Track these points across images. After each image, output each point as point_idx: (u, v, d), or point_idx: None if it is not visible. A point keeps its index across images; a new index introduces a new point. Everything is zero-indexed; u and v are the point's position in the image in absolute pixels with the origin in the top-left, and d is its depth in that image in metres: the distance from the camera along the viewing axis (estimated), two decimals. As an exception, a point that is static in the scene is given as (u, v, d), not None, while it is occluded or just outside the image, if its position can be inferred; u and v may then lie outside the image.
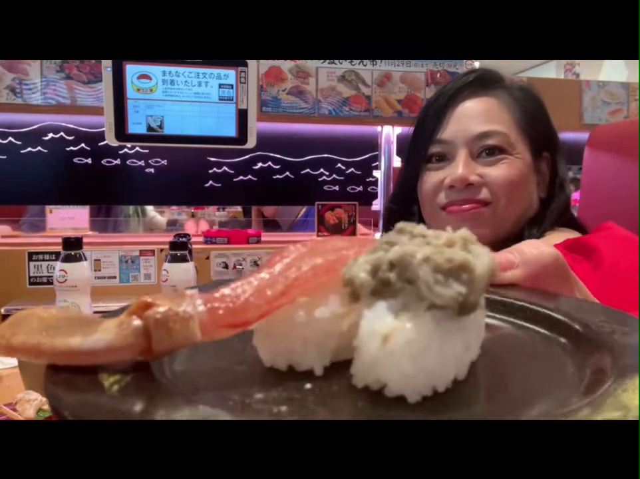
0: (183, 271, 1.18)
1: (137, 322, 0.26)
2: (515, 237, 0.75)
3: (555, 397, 0.25)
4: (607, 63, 4.96)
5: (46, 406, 0.70)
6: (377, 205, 1.90)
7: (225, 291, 0.27)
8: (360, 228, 1.86)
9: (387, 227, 0.88)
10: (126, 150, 1.91)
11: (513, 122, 0.76)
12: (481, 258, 0.22)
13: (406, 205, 0.82)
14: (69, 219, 1.77)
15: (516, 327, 0.30)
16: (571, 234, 0.75)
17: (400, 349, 0.21)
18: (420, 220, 0.82)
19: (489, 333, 0.27)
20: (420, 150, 0.78)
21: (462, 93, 0.77)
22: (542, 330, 0.29)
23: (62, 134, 1.85)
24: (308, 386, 0.24)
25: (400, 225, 0.24)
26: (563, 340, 0.28)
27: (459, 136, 0.75)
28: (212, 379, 0.27)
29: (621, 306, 0.61)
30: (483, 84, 0.78)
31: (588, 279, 0.63)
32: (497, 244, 0.75)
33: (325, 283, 0.25)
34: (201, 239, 1.62)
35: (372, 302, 0.22)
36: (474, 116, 0.75)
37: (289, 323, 0.24)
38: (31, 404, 0.70)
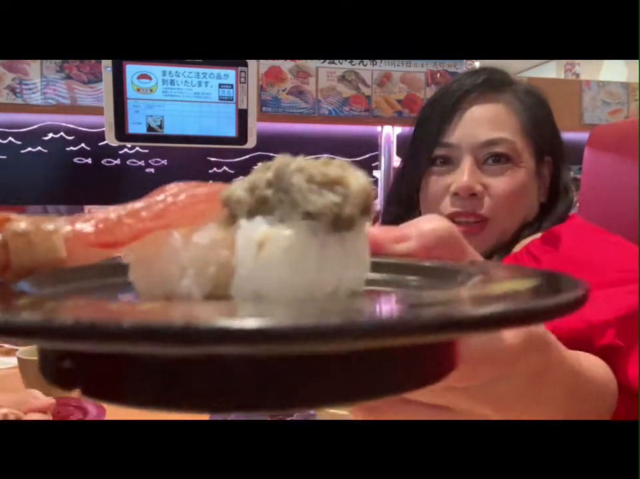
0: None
1: None
2: (512, 238, 0.75)
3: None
4: (607, 63, 4.96)
5: (12, 417, 0.70)
6: (377, 205, 1.90)
7: (96, 214, 0.25)
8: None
9: None
10: (126, 150, 1.92)
11: (520, 128, 0.76)
12: (358, 178, 0.22)
13: (407, 208, 0.81)
14: None
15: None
16: None
17: (276, 256, 0.20)
18: None
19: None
20: (424, 151, 0.77)
21: (470, 95, 0.76)
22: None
23: (62, 134, 1.85)
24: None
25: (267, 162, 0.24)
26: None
27: (465, 141, 0.74)
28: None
29: None
30: (492, 86, 0.77)
31: (549, 266, 0.64)
32: (496, 249, 0.75)
33: (205, 212, 0.24)
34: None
35: (246, 220, 0.21)
36: (481, 121, 0.75)
37: (165, 250, 0.22)
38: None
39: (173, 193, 0.25)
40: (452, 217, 0.74)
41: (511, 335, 0.30)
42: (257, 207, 0.21)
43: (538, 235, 0.74)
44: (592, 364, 0.51)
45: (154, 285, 0.23)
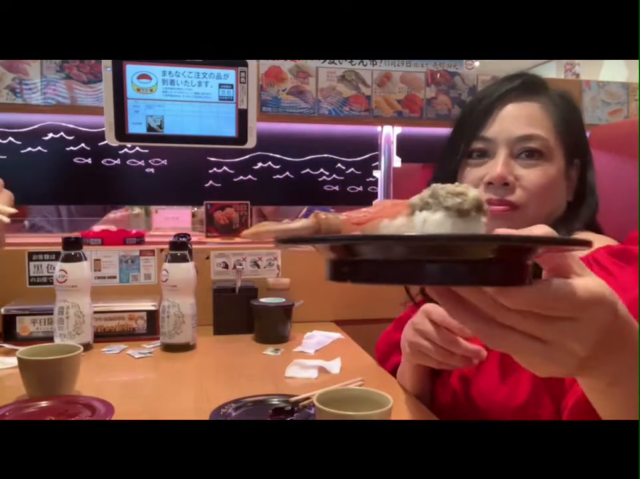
0: (183, 271, 1.18)
1: (315, 219, 0.53)
2: None
3: None
4: (607, 63, 4.96)
5: None
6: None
7: (353, 211, 0.51)
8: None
9: None
10: (126, 150, 1.91)
11: (553, 128, 0.81)
12: (474, 191, 0.41)
13: None
14: (173, 219, 1.84)
15: None
16: (597, 238, 0.79)
17: (431, 227, 0.41)
18: None
19: None
20: (463, 145, 0.82)
21: (508, 95, 0.82)
22: None
23: (62, 134, 1.84)
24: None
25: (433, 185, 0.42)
26: None
27: (501, 136, 0.79)
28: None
29: None
30: (528, 89, 0.83)
31: (628, 284, 0.64)
32: None
33: (395, 213, 0.45)
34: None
35: (418, 212, 0.43)
36: (517, 118, 0.80)
37: (381, 227, 0.44)
38: None
39: (381, 203, 0.49)
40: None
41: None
42: (423, 207, 0.42)
43: (581, 236, 0.76)
44: None
45: None
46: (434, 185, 0.42)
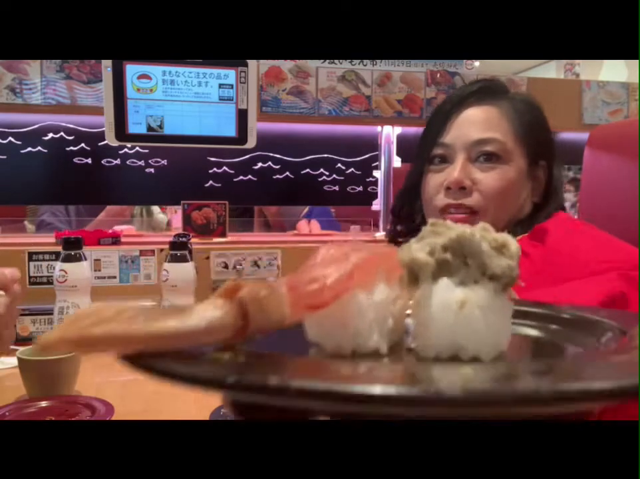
0: (184, 271, 1.18)
1: (233, 303, 0.27)
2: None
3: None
4: (607, 63, 4.96)
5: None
6: (377, 205, 1.90)
7: (303, 276, 0.29)
8: (353, 230, 1.86)
9: (395, 224, 0.92)
10: (126, 150, 1.91)
11: (512, 130, 0.81)
12: (512, 240, 0.26)
13: (411, 204, 0.89)
14: None
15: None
16: None
17: (475, 314, 0.24)
18: (424, 218, 0.87)
19: None
20: (424, 151, 0.84)
21: (467, 100, 0.82)
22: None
23: (62, 134, 1.84)
24: (386, 361, 0.27)
25: (432, 221, 0.29)
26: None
27: (459, 141, 0.80)
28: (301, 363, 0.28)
29: (559, 280, 0.65)
30: (488, 93, 0.84)
31: (536, 261, 0.68)
32: None
33: (372, 276, 0.28)
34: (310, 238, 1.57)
35: (431, 282, 0.26)
36: (474, 122, 0.80)
37: (350, 309, 0.27)
38: None
39: (344, 258, 0.29)
40: (444, 209, 0.79)
41: None
42: (439, 270, 0.25)
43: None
44: None
45: (343, 342, 0.28)
46: (450, 227, 0.27)
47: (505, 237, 0.27)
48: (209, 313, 0.27)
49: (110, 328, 0.26)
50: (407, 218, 0.88)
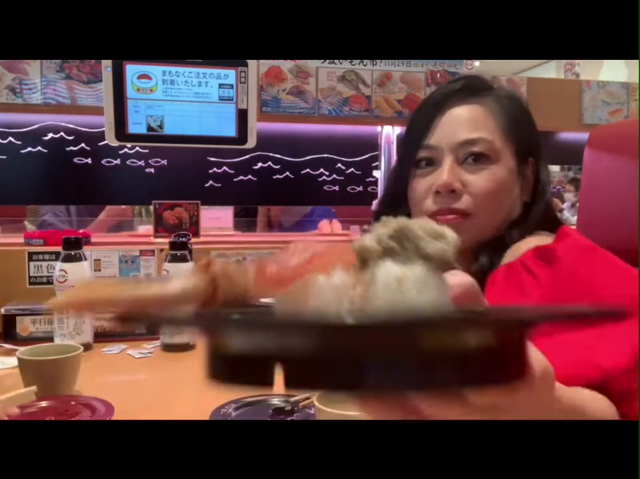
0: (184, 271, 1.18)
1: (206, 275, 0.34)
2: (497, 239, 0.77)
3: None
4: (607, 63, 4.96)
5: None
6: (375, 205, 1.90)
7: (269, 259, 0.35)
8: (353, 230, 1.86)
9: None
10: (126, 150, 1.91)
11: (499, 128, 0.78)
12: (450, 231, 0.31)
13: (395, 210, 0.83)
14: (215, 219, 1.87)
15: None
16: (550, 238, 0.76)
17: (411, 289, 0.28)
18: None
19: None
20: (408, 154, 0.81)
21: (450, 100, 0.79)
22: None
23: (62, 134, 1.84)
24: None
25: (384, 219, 0.32)
26: None
27: (445, 142, 0.77)
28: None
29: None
30: (471, 91, 0.80)
31: (545, 283, 0.66)
32: (479, 247, 0.77)
33: (331, 263, 0.31)
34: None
35: (379, 263, 0.29)
36: (460, 122, 0.78)
37: (310, 290, 0.29)
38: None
39: (314, 246, 0.35)
40: (434, 215, 0.77)
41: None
42: (384, 256, 0.30)
43: (530, 242, 0.75)
44: (592, 400, 0.56)
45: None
46: (396, 220, 0.31)
47: (443, 228, 0.31)
48: (184, 281, 0.33)
49: (106, 293, 0.33)
50: None
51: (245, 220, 2.58)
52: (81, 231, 1.58)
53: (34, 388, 0.76)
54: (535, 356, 0.34)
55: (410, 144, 0.81)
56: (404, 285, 0.28)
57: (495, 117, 0.78)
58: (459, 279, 0.35)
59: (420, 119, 0.81)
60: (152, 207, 1.57)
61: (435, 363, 0.25)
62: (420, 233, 0.30)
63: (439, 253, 0.29)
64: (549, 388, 0.39)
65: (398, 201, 0.84)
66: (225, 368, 0.27)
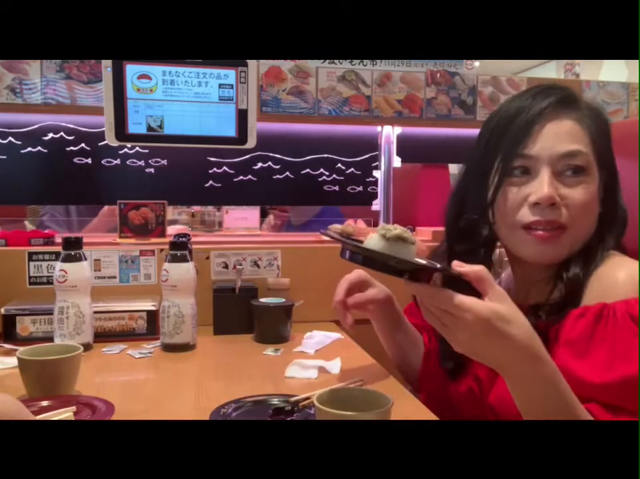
0: (183, 271, 1.18)
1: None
2: (583, 251, 0.80)
3: None
4: (607, 63, 4.96)
5: None
6: (377, 205, 1.89)
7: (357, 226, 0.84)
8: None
9: (453, 243, 0.88)
10: (126, 150, 1.91)
11: (591, 142, 0.80)
12: (396, 230, 0.66)
13: (481, 216, 0.83)
14: (242, 219, 1.88)
15: None
16: (624, 263, 0.78)
17: (372, 243, 0.67)
18: (491, 234, 0.83)
19: None
20: (501, 163, 0.80)
21: (545, 111, 0.80)
22: None
23: (62, 134, 1.84)
24: None
25: (383, 225, 0.65)
26: None
27: (544, 153, 0.78)
28: None
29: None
30: (564, 103, 0.81)
31: None
32: (569, 258, 0.80)
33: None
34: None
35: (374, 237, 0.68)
36: (558, 134, 0.78)
37: (368, 238, 0.72)
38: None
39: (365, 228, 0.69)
40: (530, 226, 0.78)
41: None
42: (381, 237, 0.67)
43: (615, 268, 0.76)
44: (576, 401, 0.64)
45: None
46: (396, 230, 0.65)
47: (395, 230, 0.66)
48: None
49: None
50: (470, 236, 0.84)
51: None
52: (47, 231, 1.58)
53: (73, 408, 0.77)
54: (485, 304, 0.61)
55: (504, 152, 0.80)
56: (370, 242, 0.66)
57: (587, 130, 0.80)
58: (471, 267, 0.63)
59: (516, 129, 0.80)
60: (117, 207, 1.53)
61: (394, 268, 0.64)
62: (379, 226, 0.67)
63: (394, 231, 0.65)
64: (484, 322, 0.60)
65: (480, 209, 0.83)
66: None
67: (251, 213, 1.89)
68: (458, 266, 0.63)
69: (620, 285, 0.73)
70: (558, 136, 0.78)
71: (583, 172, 0.78)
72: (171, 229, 1.84)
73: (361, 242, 0.68)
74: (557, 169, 0.78)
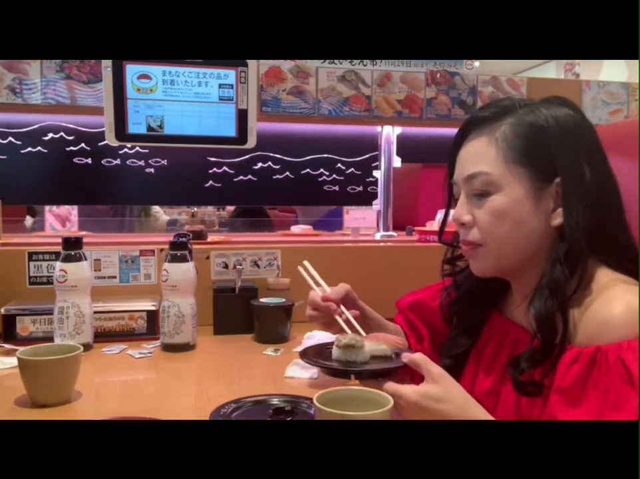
0: (183, 271, 1.18)
1: None
2: (522, 263, 0.78)
3: None
4: (607, 63, 4.96)
5: None
6: (377, 205, 1.90)
7: None
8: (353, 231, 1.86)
9: (452, 249, 0.93)
10: (126, 150, 1.91)
11: (500, 157, 0.76)
12: (346, 339, 0.79)
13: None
14: (361, 219, 1.99)
15: None
16: (634, 296, 0.69)
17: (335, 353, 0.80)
18: None
19: None
20: (449, 189, 0.86)
21: (467, 132, 0.81)
22: None
23: (62, 134, 1.84)
24: None
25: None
26: None
27: (459, 179, 0.81)
28: None
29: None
30: (487, 120, 0.78)
31: None
32: (508, 273, 0.81)
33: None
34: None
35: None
36: (466, 158, 0.80)
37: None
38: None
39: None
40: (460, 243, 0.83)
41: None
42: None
43: (612, 296, 0.69)
44: None
45: None
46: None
47: (342, 337, 0.79)
48: None
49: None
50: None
51: (241, 220, 2.59)
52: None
53: None
54: (414, 390, 0.68)
55: (449, 180, 0.85)
56: (335, 352, 0.78)
57: (496, 145, 0.76)
58: (410, 356, 0.72)
59: (449, 155, 0.84)
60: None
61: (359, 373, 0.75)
62: (336, 338, 0.79)
63: (344, 340, 0.77)
64: (414, 405, 0.68)
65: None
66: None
67: (369, 213, 1.98)
68: (404, 358, 0.74)
69: (614, 322, 0.68)
70: (466, 159, 0.80)
71: (487, 192, 0.76)
72: (296, 229, 2.00)
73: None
74: (469, 191, 0.79)
